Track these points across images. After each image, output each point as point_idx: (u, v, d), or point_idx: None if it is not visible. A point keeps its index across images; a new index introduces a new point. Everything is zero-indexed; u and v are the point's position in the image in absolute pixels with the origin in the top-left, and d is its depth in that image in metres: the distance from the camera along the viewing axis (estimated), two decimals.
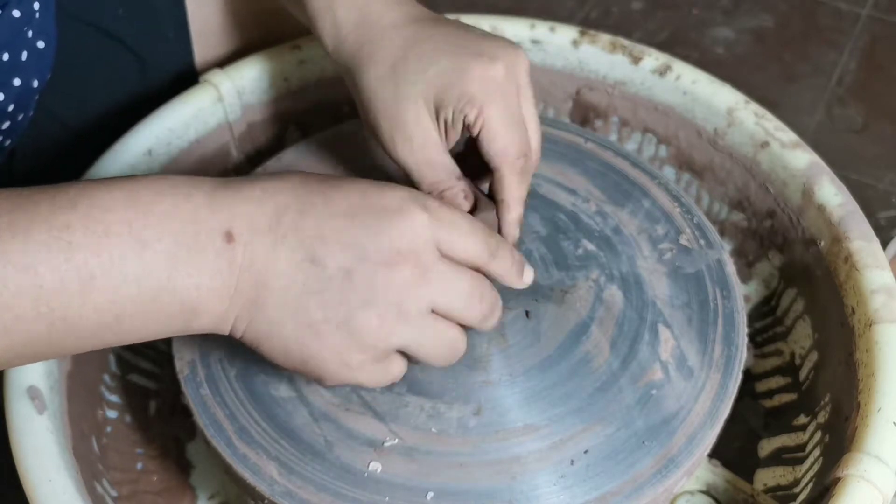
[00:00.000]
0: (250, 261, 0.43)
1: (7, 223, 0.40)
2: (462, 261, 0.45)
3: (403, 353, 0.46)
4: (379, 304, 0.43)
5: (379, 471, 0.50)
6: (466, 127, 0.51)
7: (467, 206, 0.52)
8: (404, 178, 0.53)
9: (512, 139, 0.51)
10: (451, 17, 0.75)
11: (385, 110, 0.52)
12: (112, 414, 0.67)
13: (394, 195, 0.44)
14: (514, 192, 0.52)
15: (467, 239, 0.45)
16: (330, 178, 0.46)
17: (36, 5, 0.60)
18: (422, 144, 0.51)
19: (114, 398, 0.68)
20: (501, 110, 0.50)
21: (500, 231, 0.52)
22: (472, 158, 0.54)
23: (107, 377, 0.67)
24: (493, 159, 0.51)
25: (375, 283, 0.43)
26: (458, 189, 0.52)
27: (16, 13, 0.58)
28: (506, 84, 0.51)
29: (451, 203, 0.52)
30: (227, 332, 0.45)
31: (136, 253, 0.41)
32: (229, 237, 0.42)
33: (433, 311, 0.45)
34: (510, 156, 0.51)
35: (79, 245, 0.40)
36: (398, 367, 0.46)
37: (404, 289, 0.43)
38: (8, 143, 0.64)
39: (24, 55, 0.60)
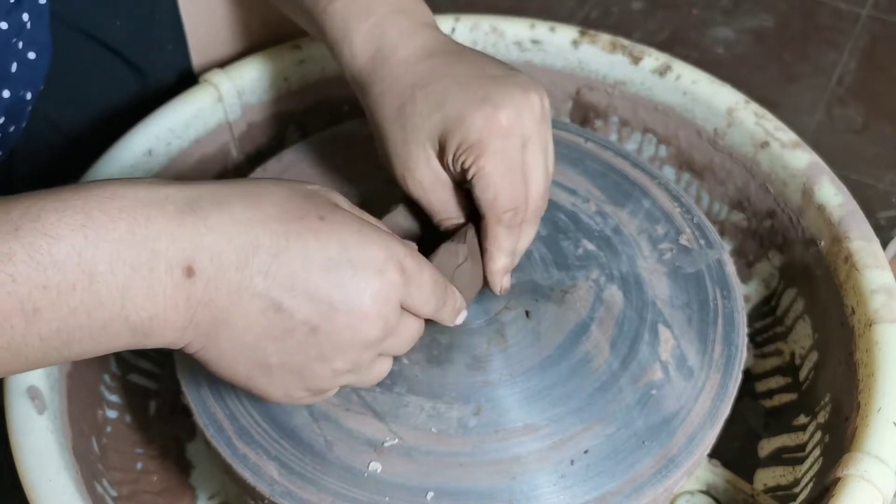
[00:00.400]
0: (210, 297, 0.41)
1: None
2: (415, 312, 0.46)
3: None
4: (336, 360, 0.43)
5: (379, 471, 0.50)
6: (465, 173, 0.51)
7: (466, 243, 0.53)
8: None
9: (504, 191, 0.49)
10: (451, 17, 0.76)
11: (395, 152, 0.52)
12: (112, 414, 0.67)
13: (373, 251, 0.43)
14: (498, 243, 0.51)
15: (427, 296, 0.46)
16: (312, 211, 0.43)
17: (25, 17, 0.60)
18: (432, 186, 0.52)
19: (114, 398, 0.68)
20: (499, 159, 0.49)
21: (487, 280, 0.53)
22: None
23: (107, 377, 0.67)
24: (481, 208, 0.50)
25: (338, 342, 0.43)
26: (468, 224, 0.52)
27: (3, 25, 0.58)
28: (508, 132, 0.49)
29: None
30: (178, 348, 0.44)
31: (86, 286, 0.39)
32: (189, 272, 0.40)
33: (380, 354, 0.46)
34: (497, 208, 0.50)
35: (23, 277, 0.38)
36: (333, 392, 0.47)
37: (363, 348, 0.44)
38: (0, 153, 0.64)
39: (14, 66, 0.60)
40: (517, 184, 0.50)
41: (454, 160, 0.50)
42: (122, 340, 0.41)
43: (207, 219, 0.41)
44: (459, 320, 0.50)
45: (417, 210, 0.54)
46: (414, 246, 0.47)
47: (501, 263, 0.52)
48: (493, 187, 0.49)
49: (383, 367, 0.47)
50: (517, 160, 0.50)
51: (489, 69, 0.52)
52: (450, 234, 0.53)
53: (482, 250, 0.52)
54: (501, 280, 0.53)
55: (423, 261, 0.46)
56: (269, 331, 0.42)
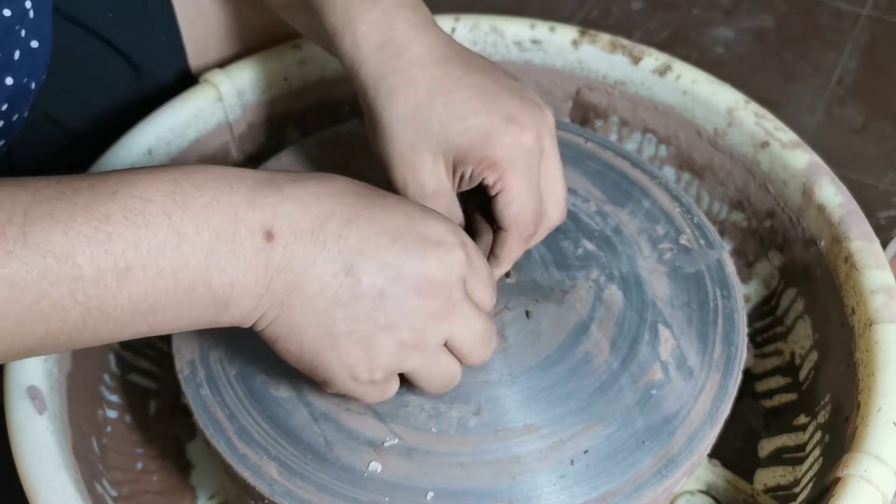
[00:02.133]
0: (287, 263, 0.43)
1: (48, 212, 0.39)
2: (476, 304, 0.47)
3: (402, 377, 0.47)
4: (402, 329, 0.44)
5: (379, 471, 0.50)
6: (484, 187, 0.51)
7: None
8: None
9: (527, 207, 0.51)
10: (451, 17, 0.76)
11: (401, 153, 0.51)
12: (112, 414, 0.67)
13: (437, 226, 0.45)
14: (510, 253, 0.53)
15: (486, 287, 0.47)
16: (376, 191, 0.46)
17: (28, 4, 0.60)
18: (433, 193, 0.52)
19: (114, 398, 0.68)
20: (523, 178, 0.50)
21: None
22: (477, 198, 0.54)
23: (107, 377, 0.67)
24: (505, 222, 0.51)
25: (404, 309, 0.44)
26: None
27: (7, 12, 0.58)
28: (531, 151, 0.51)
29: None
30: (248, 326, 0.45)
31: (174, 245, 0.41)
32: (269, 236, 0.42)
33: (445, 344, 0.46)
34: (521, 223, 0.51)
35: (118, 236, 0.40)
36: (393, 389, 0.47)
37: (429, 319, 0.44)
38: (2, 142, 0.64)
39: (17, 54, 0.60)
40: (538, 200, 0.52)
41: (474, 174, 0.51)
42: (203, 311, 0.43)
43: (284, 190, 0.43)
44: (483, 361, 0.49)
45: None
46: None
47: (503, 270, 0.54)
48: (519, 204, 0.51)
49: (451, 366, 0.47)
50: (536, 177, 0.52)
51: (503, 81, 0.53)
52: None
53: (491, 254, 0.53)
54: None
55: (482, 254, 0.47)
56: (338, 295, 0.43)
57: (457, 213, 0.53)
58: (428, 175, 0.51)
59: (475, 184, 0.52)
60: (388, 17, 0.52)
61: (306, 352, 0.45)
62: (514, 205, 0.51)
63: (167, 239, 0.41)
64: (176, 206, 0.41)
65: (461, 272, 0.45)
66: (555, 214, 0.54)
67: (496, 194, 0.51)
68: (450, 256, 0.44)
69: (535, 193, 0.52)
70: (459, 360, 0.47)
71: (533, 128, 0.51)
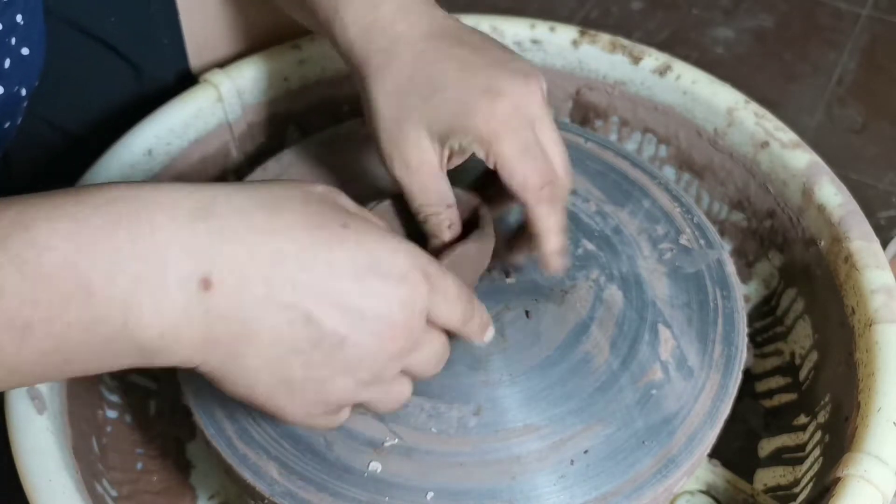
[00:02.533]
0: (232, 311, 0.38)
1: None
2: (441, 325, 0.45)
3: None
4: (359, 372, 0.42)
5: (379, 471, 0.50)
6: (485, 164, 0.50)
7: (450, 235, 0.52)
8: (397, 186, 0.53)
9: (531, 170, 0.49)
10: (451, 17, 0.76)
11: (386, 128, 0.51)
12: (112, 414, 0.67)
13: (398, 259, 0.41)
14: (545, 223, 0.50)
15: (452, 307, 0.44)
16: (334, 218, 0.41)
17: (19, 17, 0.60)
18: (417, 168, 0.50)
19: (114, 398, 0.68)
20: (513, 144, 0.49)
21: (542, 264, 0.52)
22: (497, 184, 0.53)
23: (107, 377, 0.67)
24: (517, 194, 0.49)
25: (364, 353, 0.41)
26: (445, 217, 0.51)
27: None
28: (515, 118, 0.49)
29: (432, 230, 0.52)
30: (188, 367, 0.41)
31: (82, 299, 0.36)
32: (206, 284, 0.37)
33: (402, 372, 0.44)
34: (532, 187, 0.49)
35: (11, 291, 0.35)
36: (346, 415, 0.45)
37: (388, 360, 0.42)
38: None
39: (8, 63, 0.60)
40: (541, 160, 0.49)
41: (463, 147, 0.49)
42: (129, 359, 0.39)
43: (224, 229, 0.38)
44: (488, 337, 0.48)
45: (403, 208, 0.53)
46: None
47: (555, 244, 0.51)
48: (521, 169, 0.49)
49: (404, 390, 0.45)
50: (532, 139, 0.49)
51: (491, 52, 0.51)
52: (422, 236, 0.52)
53: (532, 236, 0.51)
54: (560, 261, 0.52)
55: (444, 269, 0.44)
56: (296, 343, 0.40)
57: (443, 189, 0.51)
58: (412, 150, 0.50)
59: (466, 156, 0.51)
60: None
61: (258, 396, 0.41)
62: (516, 172, 0.49)
63: (72, 293, 0.36)
64: (81, 254, 0.36)
65: (423, 306, 0.42)
66: (563, 177, 0.51)
67: (496, 169, 0.49)
68: (413, 294, 0.41)
69: (535, 155, 0.49)
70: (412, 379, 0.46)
71: (514, 95, 0.49)
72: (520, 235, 0.55)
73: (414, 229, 0.53)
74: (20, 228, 0.36)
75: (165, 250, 0.37)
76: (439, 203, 0.51)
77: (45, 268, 0.35)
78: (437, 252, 0.51)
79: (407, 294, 0.41)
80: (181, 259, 0.37)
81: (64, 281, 0.36)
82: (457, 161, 0.52)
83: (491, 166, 0.49)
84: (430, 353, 0.44)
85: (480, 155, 0.49)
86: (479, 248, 0.51)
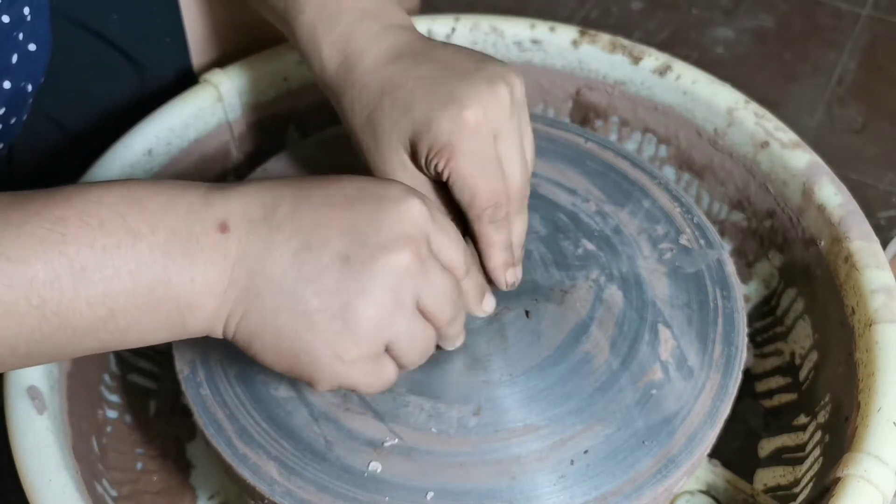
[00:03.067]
0: (245, 252, 0.43)
1: (2, 217, 0.40)
2: (445, 264, 0.45)
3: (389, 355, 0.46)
4: (376, 293, 0.42)
5: (379, 471, 0.50)
6: (440, 175, 0.50)
7: None
8: None
9: (480, 189, 0.49)
10: (451, 17, 0.76)
11: (371, 158, 0.52)
12: (112, 414, 0.67)
13: (393, 187, 0.45)
14: (489, 241, 0.51)
15: (452, 245, 0.46)
16: (327, 175, 0.46)
17: (26, 10, 0.60)
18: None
19: (114, 398, 0.68)
20: (470, 158, 0.49)
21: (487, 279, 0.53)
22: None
23: (107, 377, 0.67)
24: (463, 209, 0.50)
25: (373, 269, 0.42)
26: None
27: (5, 18, 0.58)
28: (476, 129, 0.49)
29: None
30: (220, 333, 0.44)
31: (130, 244, 0.41)
32: (224, 227, 0.42)
33: (418, 308, 0.45)
34: (477, 207, 0.50)
35: (72, 237, 0.40)
36: (390, 370, 0.46)
37: (401, 276, 0.43)
38: (1, 146, 0.64)
39: (15, 58, 0.60)
40: (494, 179, 0.50)
41: (427, 163, 0.50)
42: (167, 316, 0.43)
43: (235, 188, 0.44)
44: (489, 306, 0.50)
45: None
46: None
47: (499, 259, 0.52)
48: (470, 187, 0.49)
49: (428, 333, 0.46)
50: (490, 155, 0.49)
51: (457, 64, 0.51)
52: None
53: (477, 251, 0.52)
54: (504, 275, 0.53)
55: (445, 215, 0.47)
56: (303, 272, 0.42)
57: (437, 204, 0.52)
58: (400, 173, 0.51)
59: (433, 173, 0.51)
60: (346, 35, 0.52)
61: (283, 340, 0.43)
62: (466, 189, 0.49)
63: (122, 239, 0.41)
64: (130, 208, 0.41)
65: (424, 227, 0.44)
66: (516, 195, 0.51)
67: (448, 182, 0.50)
68: (410, 209, 0.44)
69: (491, 173, 0.49)
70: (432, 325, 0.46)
71: (475, 105, 0.48)
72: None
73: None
74: (81, 192, 0.42)
75: (192, 206, 0.43)
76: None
77: (101, 217, 0.41)
78: None
79: (402, 210, 0.44)
80: (203, 210, 0.43)
81: (115, 229, 0.41)
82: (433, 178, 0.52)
83: (445, 180, 0.50)
84: (444, 286, 0.45)
85: (439, 167, 0.49)
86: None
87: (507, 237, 0.52)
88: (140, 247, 0.41)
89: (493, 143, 0.50)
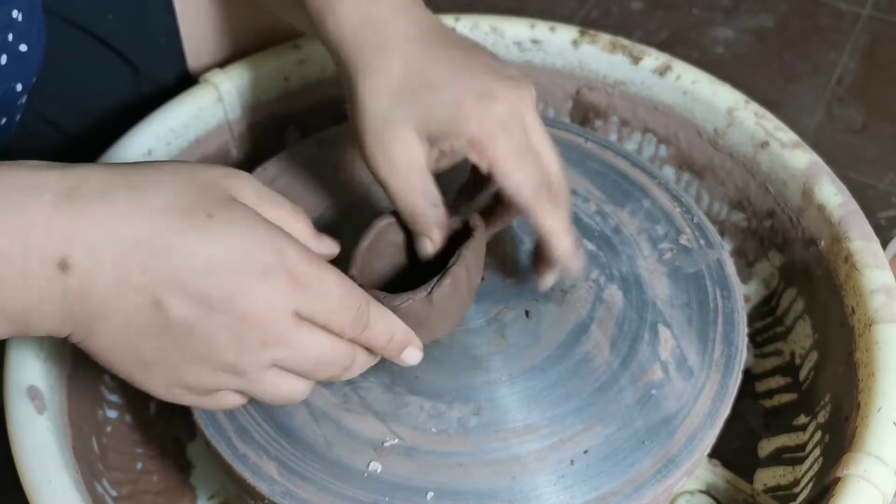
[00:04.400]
0: (86, 292, 0.40)
1: None
2: (323, 327, 0.43)
3: None
4: (212, 361, 0.42)
5: (379, 471, 0.50)
6: (475, 167, 0.50)
7: (438, 234, 0.51)
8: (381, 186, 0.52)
9: (526, 173, 0.48)
10: (451, 17, 0.76)
11: (373, 128, 0.50)
12: (112, 414, 0.67)
13: (261, 256, 0.41)
14: (549, 223, 0.49)
15: (332, 311, 0.43)
16: (197, 210, 0.40)
17: (15, 13, 0.60)
18: (406, 170, 0.50)
19: (114, 398, 0.68)
20: (507, 147, 0.48)
21: (563, 268, 0.51)
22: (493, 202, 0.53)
23: (107, 377, 0.67)
24: (514, 198, 0.49)
25: (214, 344, 0.41)
26: (432, 217, 0.50)
27: None
28: (508, 122, 0.49)
29: (421, 229, 0.51)
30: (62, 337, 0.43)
31: None
32: (64, 265, 0.39)
33: (275, 365, 0.43)
34: (528, 189, 0.48)
35: None
36: (231, 400, 0.45)
37: (243, 352, 0.42)
38: None
39: (4, 59, 0.60)
40: (535, 163, 0.49)
41: (455, 151, 0.49)
42: (4, 328, 0.40)
43: (84, 211, 0.39)
44: (408, 358, 0.48)
45: None
46: (329, 249, 0.47)
47: (568, 242, 0.50)
48: (514, 173, 0.48)
49: (283, 385, 0.44)
50: (525, 142, 0.49)
51: (483, 57, 0.51)
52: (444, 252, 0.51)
53: (543, 244, 0.50)
54: (577, 261, 0.51)
55: (328, 270, 0.43)
56: (146, 328, 0.40)
57: (430, 189, 0.50)
58: (399, 151, 0.49)
59: (457, 160, 0.50)
60: None
61: (119, 371, 0.42)
62: (511, 175, 0.48)
63: None
64: None
65: (284, 305, 0.41)
66: (559, 179, 0.50)
67: (491, 173, 0.49)
68: (269, 290, 0.41)
69: (530, 158, 0.49)
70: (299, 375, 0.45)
71: (507, 99, 0.48)
72: (537, 254, 0.54)
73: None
74: None
75: (29, 231, 0.38)
76: (426, 203, 0.50)
77: None
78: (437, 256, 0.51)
79: (263, 291, 0.41)
80: (42, 240, 0.39)
81: None
82: (444, 164, 0.52)
83: (485, 170, 0.49)
84: (311, 353, 0.43)
85: (473, 158, 0.49)
86: (474, 255, 0.50)
87: (566, 218, 0.50)
88: None
89: (525, 134, 0.49)
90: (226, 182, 0.43)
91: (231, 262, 0.40)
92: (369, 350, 0.47)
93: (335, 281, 0.43)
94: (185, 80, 0.75)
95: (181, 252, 0.40)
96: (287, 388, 0.44)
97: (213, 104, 0.72)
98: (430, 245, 0.51)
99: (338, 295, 0.43)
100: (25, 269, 0.39)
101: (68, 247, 0.39)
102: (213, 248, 0.40)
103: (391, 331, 0.46)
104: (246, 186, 0.44)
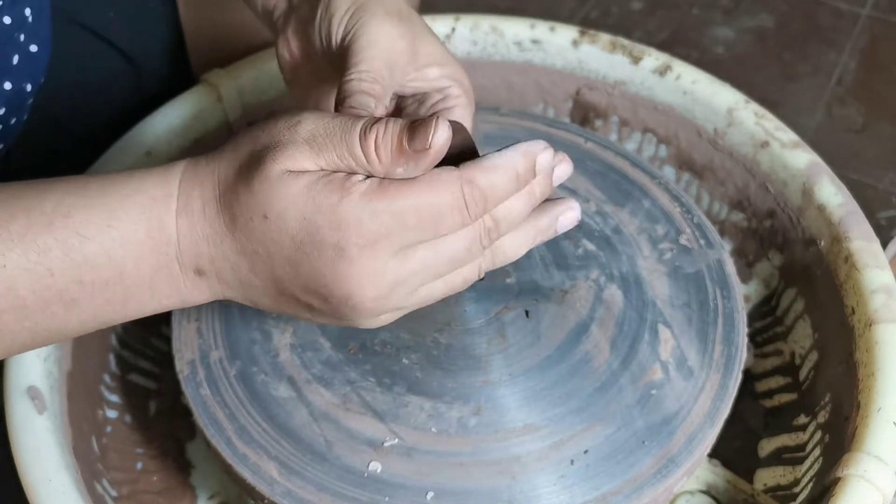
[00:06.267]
0: (224, 286, 0.44)
1: None
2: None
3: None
4: (361, 322, 0.44)
5: (379, 471, 0.50)
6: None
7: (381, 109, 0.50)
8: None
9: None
10: (451, 17, 0.76)
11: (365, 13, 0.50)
12: (112, 414, 0.67)
13: (329, 235, 0.41)
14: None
15: (426, 229, 0.41)
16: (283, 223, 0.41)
17: (27, 11, 0.60)
18: (387, 47, 0.50)
19: (114, 398, 0.68)
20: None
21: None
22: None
23: (107, 377, 0.67)
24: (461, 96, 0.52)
25: (353, 319, 0.43)
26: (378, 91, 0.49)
27: (6, 20, 0.58)
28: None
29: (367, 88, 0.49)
30: None
31: (118, 280, 0.42)
32: (199, 272, 0.43)
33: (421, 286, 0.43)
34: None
35: (59, 273, 0.41)
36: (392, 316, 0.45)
37: (380, 312, 0.43)
38: (1, 146, 0.64)
39: (16, 59, 0.60)
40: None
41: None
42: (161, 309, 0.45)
43: (196, 231, 0.43)
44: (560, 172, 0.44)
45: None
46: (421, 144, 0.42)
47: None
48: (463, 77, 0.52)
49: (438, 288, 0.44)
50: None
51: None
52: None
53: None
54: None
55: (391, 200, 0.40)
56: (280, 305, 0.44)
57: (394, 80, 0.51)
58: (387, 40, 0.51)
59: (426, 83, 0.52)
60: None
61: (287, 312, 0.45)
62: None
63: (110, 276, 0.42)
64: (115, 244, 0.42)
65: (383, 264, 0.41)
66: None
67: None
68: (358, 272, 0.41)
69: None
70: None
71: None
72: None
73: None
74: (62, 214, 0.41)
75: (168, 245, 0.42)
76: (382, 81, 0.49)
77: (86, 254, 0.41)
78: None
79: (356, 277, 0.41)
80: (179, 254, 0.43)
81: (103, 266, 0.41)
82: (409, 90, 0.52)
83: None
84: (434, 270, 0.43)
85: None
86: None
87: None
88: (128, 283, 0.42)
89: None
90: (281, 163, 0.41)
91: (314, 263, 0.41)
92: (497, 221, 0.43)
93: (407, 203, 0.40)
94: (187, 80, 0.75)
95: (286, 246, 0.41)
96: (440, 290, 0.44)
97: (213, 104, 0.72)
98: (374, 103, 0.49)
99: (418, 212, 0.40)
100: (172, 275, 0.43)
101: (197, 260, 0.43)
102: (298, 262, 0.41)
103: (496, 178, 0.42)
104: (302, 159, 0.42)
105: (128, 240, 0.42)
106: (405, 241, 0.40)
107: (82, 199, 0.42)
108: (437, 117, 0.40)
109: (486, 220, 0.42)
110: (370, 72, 0.49)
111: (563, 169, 0.45)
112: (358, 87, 0.48)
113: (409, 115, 0.54)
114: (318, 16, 0.52)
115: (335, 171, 0.41)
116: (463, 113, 0.52)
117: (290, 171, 0.40)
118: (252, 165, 0.41)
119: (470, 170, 0.41)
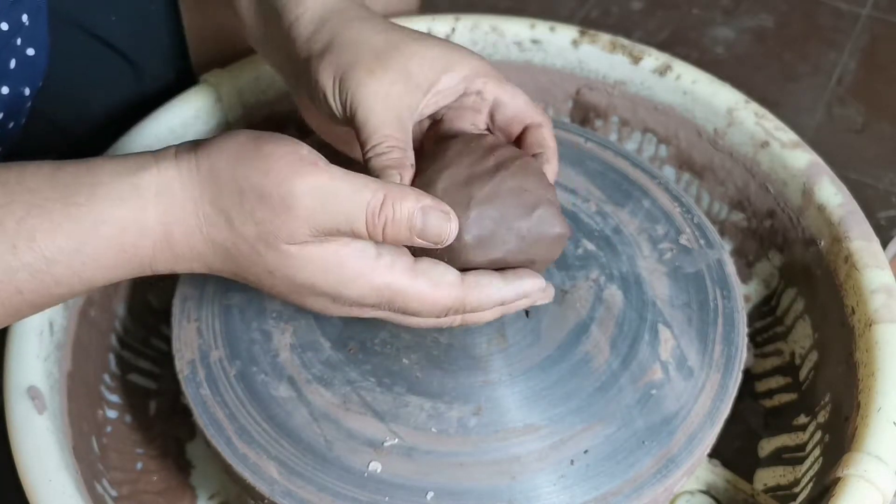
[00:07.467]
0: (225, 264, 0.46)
1: None
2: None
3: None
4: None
5: (379, 471, 0.50)
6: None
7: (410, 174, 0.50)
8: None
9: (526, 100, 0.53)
10: (451, 17, 0.76)
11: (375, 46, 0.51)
12: (112, 414, 0.67)
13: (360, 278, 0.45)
14: (553, 143, 0.53)
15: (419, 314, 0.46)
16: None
17: (24, 17, 0.60)
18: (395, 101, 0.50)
19: (114, 398, 0.68)
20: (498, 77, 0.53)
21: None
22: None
23: (107, 377, 0.67)
24: (523, 113, 0.53)
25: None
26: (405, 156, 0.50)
27: (4, 25, 0.58)
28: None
29: (394, 162, 0.50)
30: None
31: (88, 288, 0.45)
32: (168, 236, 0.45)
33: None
34: (536, 109, 0.53)
35: (28, 291, 0.42)
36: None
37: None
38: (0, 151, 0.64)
39: (13, 63, 0.60)
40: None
41: (465, 86, 0.52)
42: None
43: (191, 255, 0.45)
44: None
45: None
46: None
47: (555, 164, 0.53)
48: (519, 102, 0.52)
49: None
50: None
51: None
52: None
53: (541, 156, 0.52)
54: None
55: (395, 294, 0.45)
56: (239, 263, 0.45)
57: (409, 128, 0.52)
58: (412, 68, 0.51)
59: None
60: None
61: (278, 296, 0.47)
62: (519, 94, 0.53)
63: (80, 290, 0.45)
64: (84, 267, 0.43)
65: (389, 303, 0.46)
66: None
67: (496, 96, 0.52)
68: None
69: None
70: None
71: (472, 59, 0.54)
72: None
73: None
74: (26, 238, 0.42)
75: (148, 266, 0.45)
76: (402, 138, 0.50)
77: (55, 275, 0.42)
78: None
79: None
80: (157, 266, 0.45)
81: (74, 283, 0.43)
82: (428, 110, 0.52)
83: (489, 93, 0.52)
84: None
85: (485, 87, 0.52)
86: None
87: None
88: (137, 251, 0.44)
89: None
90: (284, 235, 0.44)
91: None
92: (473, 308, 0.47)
93: (411, 297, 0.45)
94: (189, 79, 0.75)
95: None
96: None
97: (213, 104, 0.72)
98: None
99: (405, 299, 0.45)
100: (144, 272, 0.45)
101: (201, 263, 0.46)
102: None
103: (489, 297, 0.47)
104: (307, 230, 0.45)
105: (100, 264, 0.43)
106: (384, 310, 0.46)
107: (46, 221, 0.42)
108: (451, 213, 0.45)
109: (456, 319, 0.47)
110: (382, 142, 0.49)
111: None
112: (379, 164, 0.49)
113: (447, 127, 0.53)
114: (315, 97, 0.53)
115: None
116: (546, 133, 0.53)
117: (291, 244, 0.44)
118: (257, 239, 0.44)
119: (472, 290, 0.46)
